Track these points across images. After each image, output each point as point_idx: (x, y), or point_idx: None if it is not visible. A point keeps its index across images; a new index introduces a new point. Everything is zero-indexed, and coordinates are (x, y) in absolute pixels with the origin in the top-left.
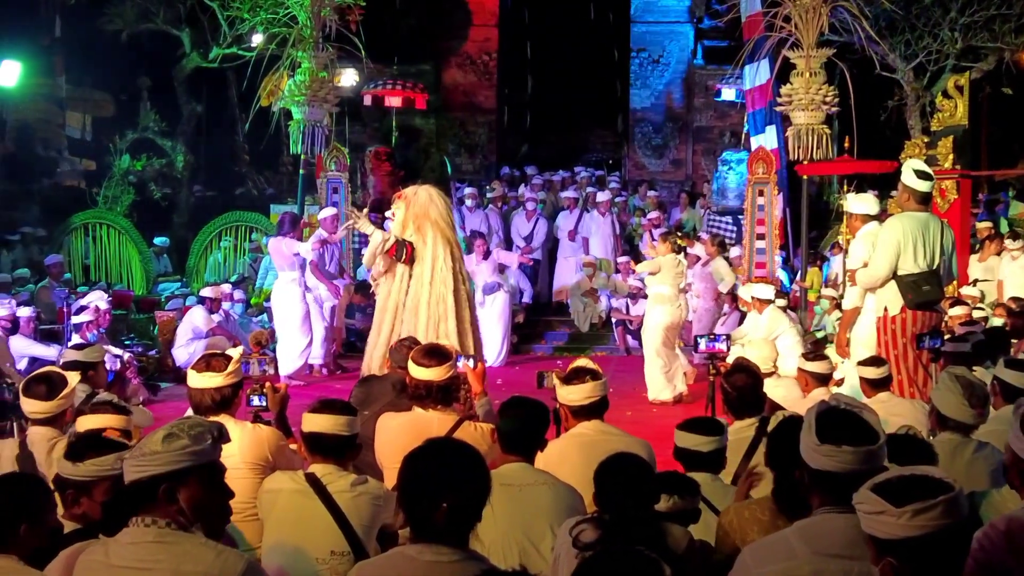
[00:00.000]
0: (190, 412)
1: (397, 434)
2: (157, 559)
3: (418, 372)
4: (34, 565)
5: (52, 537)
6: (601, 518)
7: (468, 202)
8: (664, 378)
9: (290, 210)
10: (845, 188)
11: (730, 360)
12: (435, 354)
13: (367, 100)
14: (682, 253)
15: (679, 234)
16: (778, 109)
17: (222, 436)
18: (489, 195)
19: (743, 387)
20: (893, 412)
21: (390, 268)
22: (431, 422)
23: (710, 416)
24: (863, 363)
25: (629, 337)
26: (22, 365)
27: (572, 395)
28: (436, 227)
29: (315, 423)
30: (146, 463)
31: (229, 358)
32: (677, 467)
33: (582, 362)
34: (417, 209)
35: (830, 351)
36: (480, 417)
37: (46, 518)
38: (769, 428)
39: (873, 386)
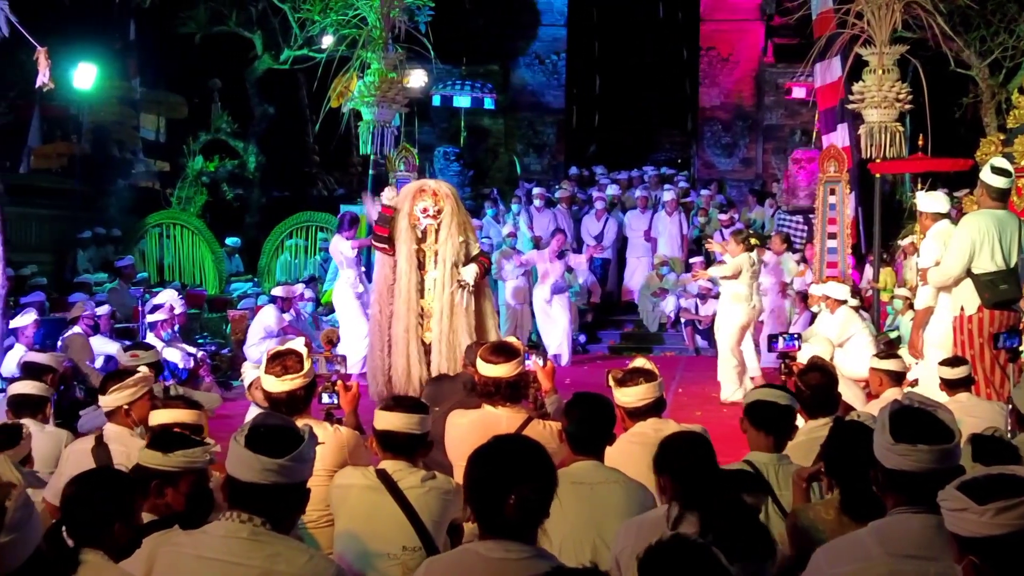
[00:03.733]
0: (253, 408)
1: (466, 431)
2: (249, 556)
3: (487, 369)
4: (115, 558)
5: (136, 534)
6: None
7: (536, 202)
8: (737, 378)
9: (351, 209)
10: (919, 186)
11: (801, 359)
12: (503, 351)
13: (436, 100)
14: (754, 251)
15: (751, 232)
16: (850, 107)
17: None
18: (557, 195)
19: (817, 386)
20: (970, 413)
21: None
22: (500, 420)
23: None
24: (943, 363)
25: (698, 337)
26: (99, 363)
27: (626, 397)
28: (471, 222)
29: (388, 420)
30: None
31: (301, 356)
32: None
33: (639, 363)
34: (460, 204)
35: (903, 352)
36: (550, 415)
37: (136, 515)
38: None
39: (951, 386)
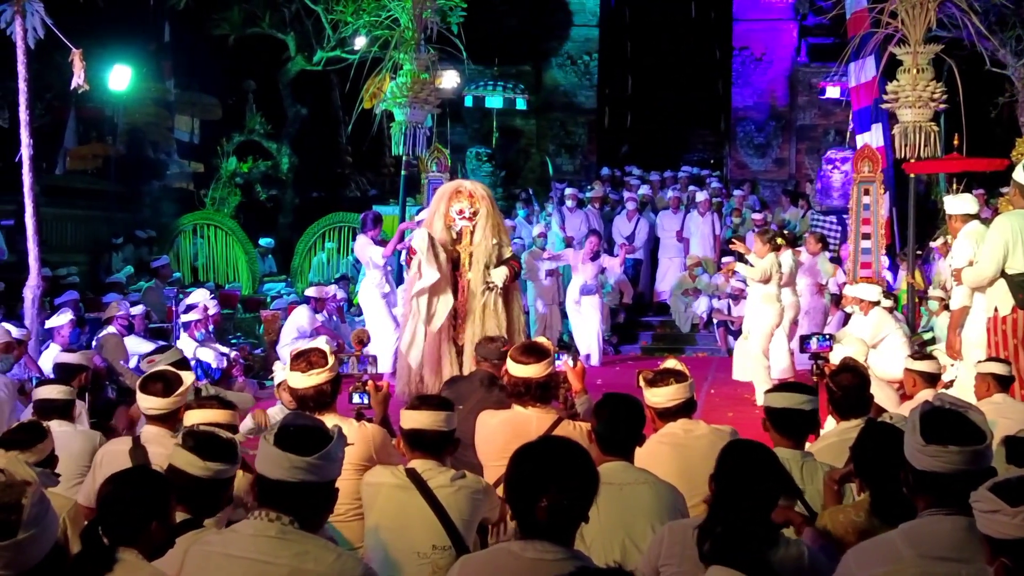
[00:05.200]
0: (280, 407)
1: (495, 432)
2: (277, 554)
3: (517, 369)
4: (150, 558)
5: (171, 534)
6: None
7: (568, 203)
8: (769, 380)
9: (374, 210)
10: (954, 186)
11: (834, 360)
12: (533, 351)
13: (468, 101)
14: (788, 251)
15: (784, 232)
16: (884, 106)
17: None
18: (588, 195)
19: (849, 387)
20: (1004, 415)
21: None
22: (530, 420)
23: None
24: (988, 360)
25: (731, 338)
26: (132, 363)
27: (657, 398)
28: (504, 224)
29: (414, 419)
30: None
31: (324, 352)
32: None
33: (669, 364)
34: (494, 206)
35: (939, 353)
36: (580, 415)
37: (171, 515)
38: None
39: (1003, 383)
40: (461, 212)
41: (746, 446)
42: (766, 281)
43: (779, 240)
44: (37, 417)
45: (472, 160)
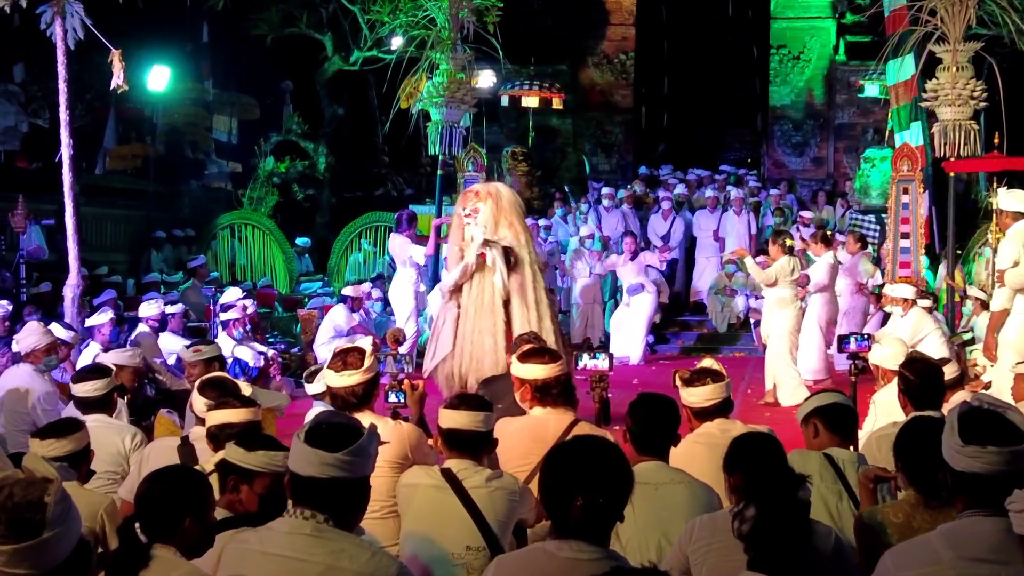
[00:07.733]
0: (318, 408)
1: (513, 438)
2: (312, 552)
3: (539, 371)
4: (188, 556)
5: (209, 532)
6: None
7: (605, 202)
8: (797, 383)
9: (409, 209)
10: (995, 185)
11: (872, 360)
12: (545, 352)
13: (504, 101)
14: (792, 252)
15: (827, 232)
16: (923, 105)
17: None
18: (620, 195)
19: (926, 373)
20: None
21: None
22: (547, 423)
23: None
24: None
25: None
26: (171, 361)
27: (693, 397)
28: (524, 224)
29: (453, 419)
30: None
31: (363, 353)
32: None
33: (706, 363)
34: (505, 205)
35: (977, 354)
36: None
37: (208, 513)
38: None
39: None
40: (466, 210)
41: (753, 437)
42: (772, 285)
43: (789, 242)
44: (79, 410)
45: (507, 160)
